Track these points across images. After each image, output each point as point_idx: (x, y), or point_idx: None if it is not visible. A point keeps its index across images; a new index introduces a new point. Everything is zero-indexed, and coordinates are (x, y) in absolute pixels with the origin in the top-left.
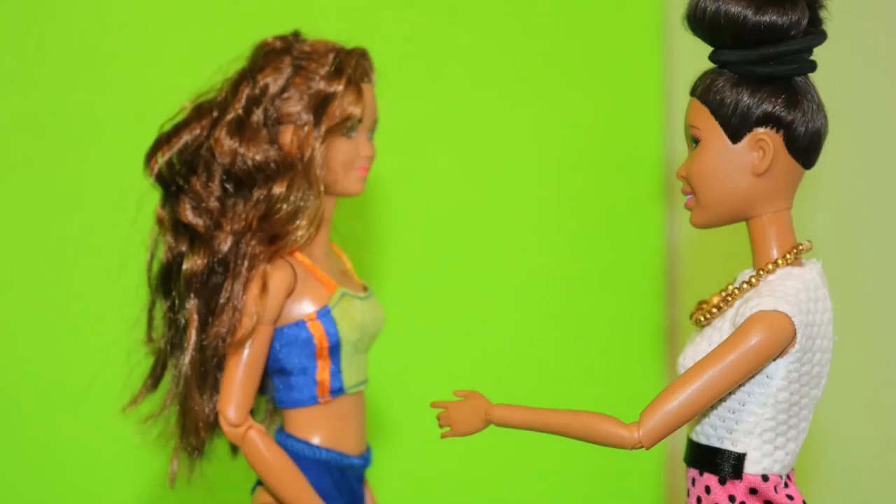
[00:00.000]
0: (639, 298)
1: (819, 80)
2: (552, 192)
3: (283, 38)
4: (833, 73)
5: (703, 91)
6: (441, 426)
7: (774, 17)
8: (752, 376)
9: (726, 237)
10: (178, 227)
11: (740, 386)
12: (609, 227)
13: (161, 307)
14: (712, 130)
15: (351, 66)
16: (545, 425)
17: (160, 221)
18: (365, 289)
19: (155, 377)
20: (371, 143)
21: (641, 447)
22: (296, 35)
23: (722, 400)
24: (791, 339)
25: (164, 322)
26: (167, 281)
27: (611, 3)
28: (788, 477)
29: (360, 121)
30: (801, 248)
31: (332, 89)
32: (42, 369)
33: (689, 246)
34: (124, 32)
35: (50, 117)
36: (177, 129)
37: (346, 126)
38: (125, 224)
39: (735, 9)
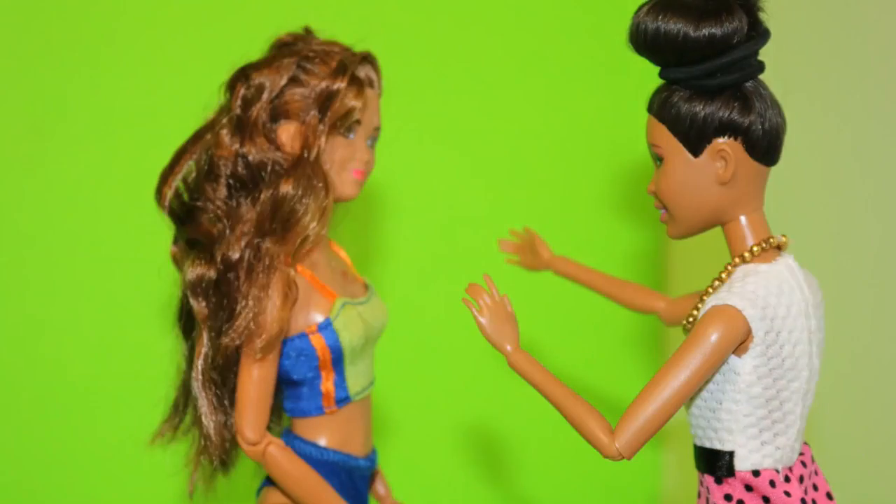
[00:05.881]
0: None
1: (795, 78)
2: (548, 195)
3: (293, 35)
4: (813, 70)
5: (658, 108)
6: (472, 305)
7: (714, 30)
8: (717, 371)
9: (720, 240)
10: (194, 247)
11: (712, 384)
12: (606, 228)
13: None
14: (673, 147)
15: (354, 65)
16: (550, 395)
17: (174, 259)
18: (366, 287)
19: (178, 409)
20: (370, 150)
21: (622, 458)
22: (307, 31)
23: (703, 400)
24: (745, 332)
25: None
26: (190, 316)
27: (611, 3)
28: (791, 470)
29: (358, 121)
30: (757, 247)
31: (335, 86)
32: (47, 376)
33: (682, 249)
34: (126, 32)
35: (52, 118)
36: (178, 157)
37: (347, 122)
38: (139, 231)
39: (674, 27)
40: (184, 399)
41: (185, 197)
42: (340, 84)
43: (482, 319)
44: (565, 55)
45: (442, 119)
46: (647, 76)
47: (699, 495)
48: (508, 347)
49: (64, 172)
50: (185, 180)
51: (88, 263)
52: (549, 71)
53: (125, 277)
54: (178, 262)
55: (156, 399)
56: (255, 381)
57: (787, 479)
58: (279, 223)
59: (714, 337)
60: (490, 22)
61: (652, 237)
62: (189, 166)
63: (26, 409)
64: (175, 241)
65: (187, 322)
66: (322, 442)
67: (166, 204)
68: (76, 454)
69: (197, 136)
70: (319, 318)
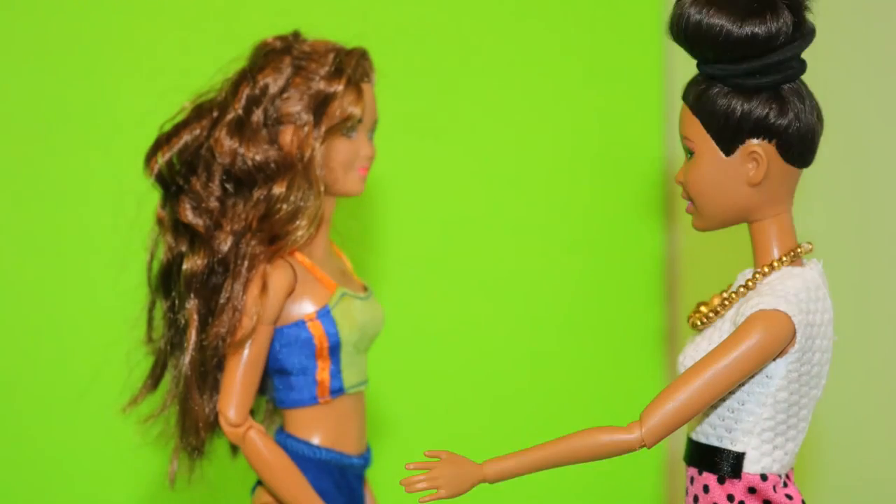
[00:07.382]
0: (639, 301)
1: (816, 78)
2: (552, 195)
3: (283, 38)
4: (832, 71)
5: (693, 101)
6: (426, 488)
7: (757, 29)
8: (753, 376)
9: (726, 240)
10: (178, 227)
11: (740, 385)
12: (609, 230)
13: (161, 307)
14: (705, 143)
15: (351, 66)
16: (544, 462)
17: (160, 221)
18: (365, 289)
19: (155, 377)
20: (371, 143)
21: (644, 447)
22: (296, 35)
23: (722, 399)
24: (791, 338)
25: (164, 322)
26: (167, 281)
27: (611, 5)
28: (787, 476)
29: (360, 121)
30: (801, 249)
31: (332, 89)
32: (42, 369)
33: (688, 248)
34: (124, 32)
35: (49, 117)
36: (177, 130)
37: (346, 126)
38: (125, 224)
39: (716, 22)
40: (161, 366)
41: (177, 172)
42: (338, 87)
43: (444, 491)
44: (566, 53)
45: (442, 119)
46: (648, 75)
47: (687, 492)
48: (480, 478)
49: (60, 172)
50: (181, 158)
51: (85, 263)
52: (551, 70)
53: (124, 278)
54: (163, 225)
55: (154, 399)
56: (243, 365)
57: (785, 485)
58: (268, 224)
59: (757, 339)
60: (490, 20)
61: (659, 246)
62: (186, 143)
63: (25, 409)
64: (162, 206)
65: (165, 283)
66: (315, 440)
67: (155, 170)
68: (74, 453)
69: (199, 115)
70: (318, 305)
